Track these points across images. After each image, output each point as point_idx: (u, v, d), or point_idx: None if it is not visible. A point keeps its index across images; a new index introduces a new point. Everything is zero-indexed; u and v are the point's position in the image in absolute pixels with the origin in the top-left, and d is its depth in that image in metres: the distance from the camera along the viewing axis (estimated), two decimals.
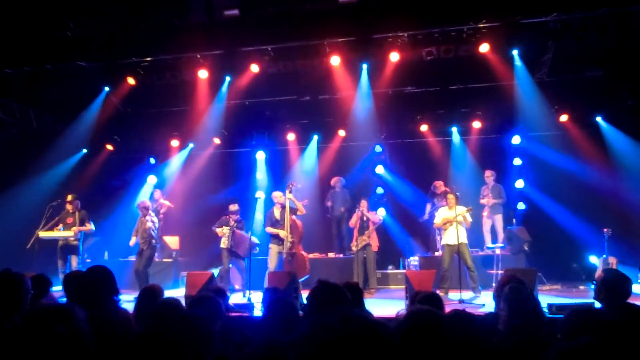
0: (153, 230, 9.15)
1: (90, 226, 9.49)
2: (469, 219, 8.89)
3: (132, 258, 11.03)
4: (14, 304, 3.08)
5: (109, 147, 12.34)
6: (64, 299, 4.80)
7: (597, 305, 3.93)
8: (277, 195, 9.53)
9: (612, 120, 10.81)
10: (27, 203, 10.43)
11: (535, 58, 10.24)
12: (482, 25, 9.43)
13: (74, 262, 9.16)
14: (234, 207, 9.56)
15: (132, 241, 9.35)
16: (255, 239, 9.37)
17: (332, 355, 1.53)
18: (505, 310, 3.39)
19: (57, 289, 8.54)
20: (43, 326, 2.51)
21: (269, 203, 10.09)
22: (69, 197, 9.45)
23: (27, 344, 2.36)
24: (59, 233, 9.23)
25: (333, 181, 11.44)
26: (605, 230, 9.01)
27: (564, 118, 10.88)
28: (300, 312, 3.92)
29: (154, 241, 9.27)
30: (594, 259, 9.60)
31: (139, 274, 8.97)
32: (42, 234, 9.08)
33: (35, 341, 2.38)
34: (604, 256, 9.01)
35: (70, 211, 9.40)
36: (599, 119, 10.94)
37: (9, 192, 10.63)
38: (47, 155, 11.30)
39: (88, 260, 10.14)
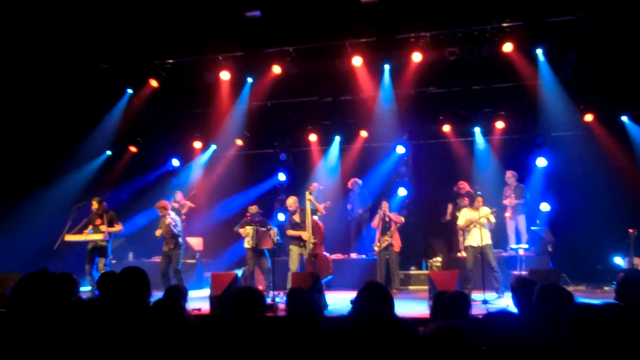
0: (175, 228, 9.17)
1: (119, 227, 9.39)
2: (493, 220, 8.82)
3: (157, 259, 11.18)
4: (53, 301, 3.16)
5: (133, 149, 12.44)
6: None
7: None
8: (290, 202, 9.51)
9: (639, 119, 10.64)
10: (53, 205, 10.49)
11: (560, 57, 10.09)
12: (505, 25, 9.41)
13: (101, 263, 9.08)
14: (253, 209, 9.58)
15: (159, 232, 9.30)
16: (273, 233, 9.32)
17: (354, 351, 1.55)
18: (542, 312, 3.36)
19: (84, 289, 8.73)
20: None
21: None
22: (94, 204, 9.33)
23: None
24: (86, 236, 9.14)
25: (350, 183, 11.45)
26: (630, 231, 8.90)
27: (589, 118, 10.73)
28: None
29: (180, 240, 9.31)
30: (619, 260, 9.47)
31: (166, 275, 9.01)
32: (69, 237, 8.98)
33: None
34: (630, 257, 8.90)
35: (98, 213, 9.30)
36: (624, 118, 10.78)
37: (34, 194, 10.74)
38: (72, 157, 11.39)
39: (113, 262, 10.18)
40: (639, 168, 10.36)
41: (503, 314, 2.86)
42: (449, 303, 4.05)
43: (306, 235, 9.11)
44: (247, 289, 3.82)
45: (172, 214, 9.45)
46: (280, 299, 7.97)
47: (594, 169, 10.41)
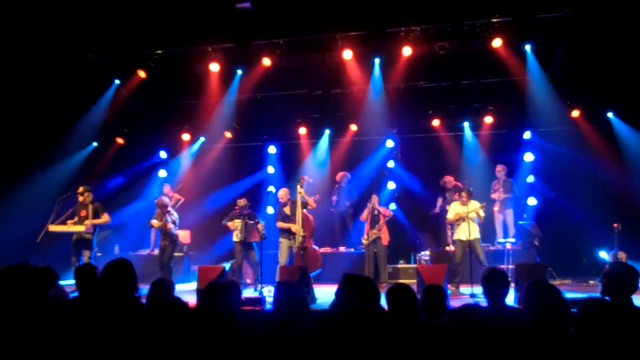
0: (173, 227, 9.20)
1: (106, 218, 9.21)
2: (482, 214, 8.87)
3: (143, 252, 11.14)
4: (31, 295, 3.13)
5: (120, 140, 12.29)
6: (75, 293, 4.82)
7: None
8: (282, 194, 9.50)
9: (624, 115, 10.78)
10: (38, 197, 10.33)
11: (548, 53, 10.19)
12: (495, 20, 9.46)
13: (86, 256, 8.96)
14: (242, 202, 9.55)
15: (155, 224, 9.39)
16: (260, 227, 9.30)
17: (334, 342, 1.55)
18: (531, 307, 3.38)
19: (69, 283, 8.63)
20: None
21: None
22: (80, 189, 9.21)
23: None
24: (70, 227, 8.98)
25: (339, 176, 11.46)
26: (615, 225, 8.99)
27: (575, 113, 10.85)
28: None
29: (175, 237, 9.36)
30: (604, 254, 9.60)
31: (163, 267, 9.09)
32: (53, 227, 8.83)
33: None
34: (614, 251, 9.01)
35: (84, 203, 9.16)
36: (610, 114, 10.92)
37: (19, 186, 10.59)
38: (58, 148, 11.25)
39: (99, 255, 10.08)
40: (623, 163, 10.50)
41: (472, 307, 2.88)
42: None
43: (296, 227, 9.10)
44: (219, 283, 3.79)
45: (172, 212, 9.42)
46: (268, 293, 7.95)
47: (580, 164, 10.55)
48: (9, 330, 2.67)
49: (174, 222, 9.20)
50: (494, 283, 3.86)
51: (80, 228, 8.97)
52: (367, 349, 1.59)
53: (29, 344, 2.59)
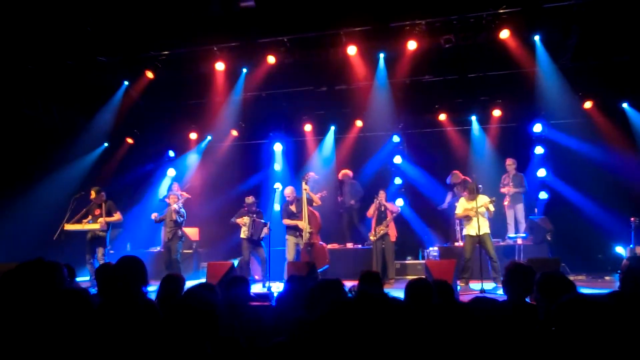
0: (180, 219, 9.52)
1: (118, 216, 9.48)
2: (492, 209, 8.72)
3: (154, 249, 11.28)
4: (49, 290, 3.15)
5: (129, 140, 12.52)
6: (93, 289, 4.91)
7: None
8: (288, 192, 9.53)
9: (639, 106, 10.48)
10: (52, 196, 10.56)
11: (559, 43, 9.91)
12: (502, 11, 9.25)
13: (100, 253, 9.20)
14: (249, 199, 9.66)
15: (154, 215, 9.93)
16: (266, 230, 9.36)
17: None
18: (540, 299, 3.30)
19: (84, 279, 8.81)
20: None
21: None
22: (93, 193, 9.43)
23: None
24: (85, 225, 9.22)
25: (340, 175, 11.42)
26: (632, 219, 8.76)
27: (588, 105, 10.59)
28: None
29: (179, 232, 9.60)
30: (620, 250, 9.36)
31: (170, 265, 9.31)
32: (68, 226, 9.09)
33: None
34: (631, 246, 8.77)
35: (97, 202, 9.39)
36: (625, 105, 10.61)
37: (33, 186, 10.83)
38: (70, 149, 11.49)
39: (112, 252, 10.26)
40: (639, 155, 10.21)
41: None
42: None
43: (302, 224, 9.12)
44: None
45: (180, 206, 9.78)
46: (276, 289, 7.98)
47: (593, 157, 10.28)
48: (28, 324, 2.70)
49: (181, 216, 9.60)
50: (515, 277, 3.76)
51: (94, 226, 9.21)
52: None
53: (51, 337, 2.61)
